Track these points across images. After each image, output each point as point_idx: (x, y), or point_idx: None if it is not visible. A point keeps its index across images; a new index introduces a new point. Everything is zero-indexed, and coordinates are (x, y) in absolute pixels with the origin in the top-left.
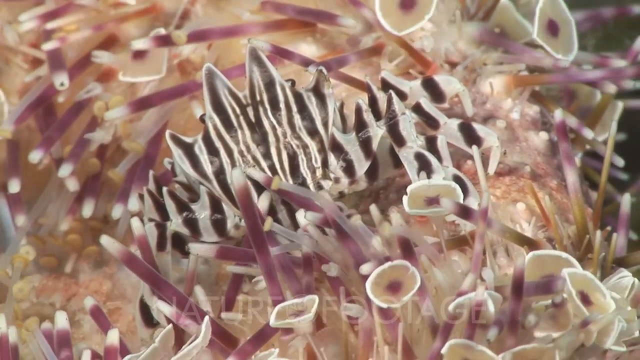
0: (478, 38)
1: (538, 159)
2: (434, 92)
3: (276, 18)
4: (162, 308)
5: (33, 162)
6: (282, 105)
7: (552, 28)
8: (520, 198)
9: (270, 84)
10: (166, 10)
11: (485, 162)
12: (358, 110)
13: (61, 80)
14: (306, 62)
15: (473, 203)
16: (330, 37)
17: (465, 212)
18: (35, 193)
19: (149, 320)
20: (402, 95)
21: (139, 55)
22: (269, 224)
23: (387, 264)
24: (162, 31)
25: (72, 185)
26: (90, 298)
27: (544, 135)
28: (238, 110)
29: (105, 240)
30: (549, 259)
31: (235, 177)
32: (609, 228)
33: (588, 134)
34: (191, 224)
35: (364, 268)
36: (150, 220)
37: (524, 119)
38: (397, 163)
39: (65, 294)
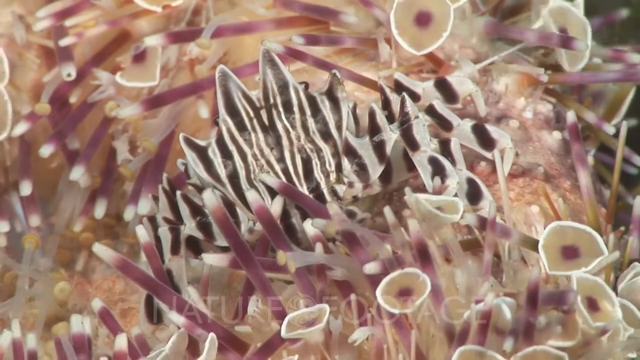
0: (485, 30)
1: (551, 159)
2: (447, 92)
3: (286, 15)
4: (173, 319)
5: (43, 156)
6: (295, 109)
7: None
8: (534, 200)
9: (283, 87)
10: (179, 6)
11: None
12: (372, 114)
13: (68, 71)
14: (319, 62)
15: (486, 206)
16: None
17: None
18: (47, 191)
19: (153, 316)
20: (415, 97)
21: (139, 58)
22: (282, 257)
23: (396, 272)
24: None
25: (85, 182)
26: (98, 300)
27: (557, 135)
28: (252, 113)
29: (97, 248)
30: (572, 232)
31: (207, 199)
32: (622, 228)
33: (609, 129)
34: (205, 228)
35: (368, 267)
36: (165, 219)
37: (537, 118)
38: (411, 167)
39: (78, 293)
